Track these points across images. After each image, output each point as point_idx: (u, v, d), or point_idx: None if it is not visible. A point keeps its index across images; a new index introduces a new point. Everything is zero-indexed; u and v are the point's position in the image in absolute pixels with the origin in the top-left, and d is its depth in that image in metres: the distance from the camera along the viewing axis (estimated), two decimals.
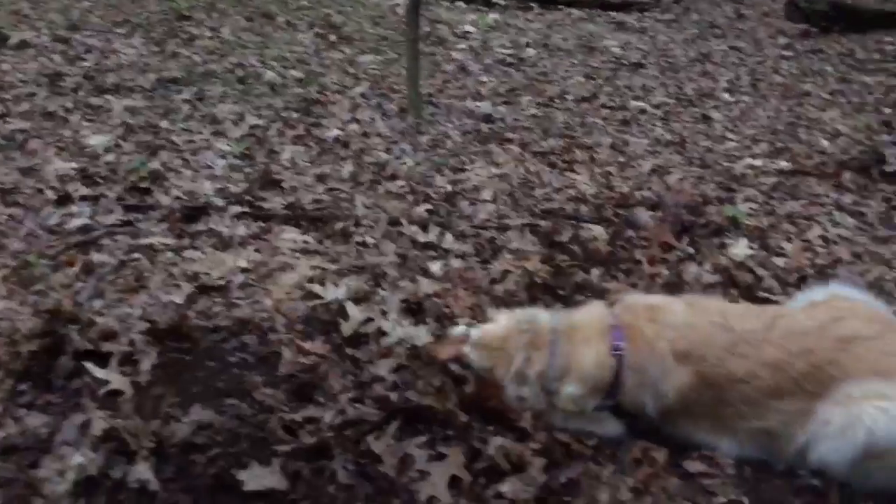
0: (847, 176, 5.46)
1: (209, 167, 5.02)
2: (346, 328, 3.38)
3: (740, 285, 3.91)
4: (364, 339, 3.34)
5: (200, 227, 4.21)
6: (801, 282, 3.95)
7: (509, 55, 8.57)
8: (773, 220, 4.73)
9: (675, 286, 3.86)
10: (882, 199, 5.20)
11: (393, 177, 5.10)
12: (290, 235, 4.21)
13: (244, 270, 3.81)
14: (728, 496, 2.62)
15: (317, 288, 3.66)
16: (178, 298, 3.49)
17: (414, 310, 3.53)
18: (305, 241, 4.16)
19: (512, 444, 2.67)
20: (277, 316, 3.46)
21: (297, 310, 3.53)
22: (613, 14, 11.43)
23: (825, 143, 6.35)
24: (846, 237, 4.57)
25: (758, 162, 5.77)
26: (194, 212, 4.35)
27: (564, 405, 2.81)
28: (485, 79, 7.67)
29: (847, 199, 5.16)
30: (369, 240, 4.21)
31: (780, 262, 4.15)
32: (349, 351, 3.24)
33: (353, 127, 5.94)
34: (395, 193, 4.84)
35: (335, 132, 5.75)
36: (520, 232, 4.37)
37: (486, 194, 4.92)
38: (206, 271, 3.75)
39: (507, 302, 3.68)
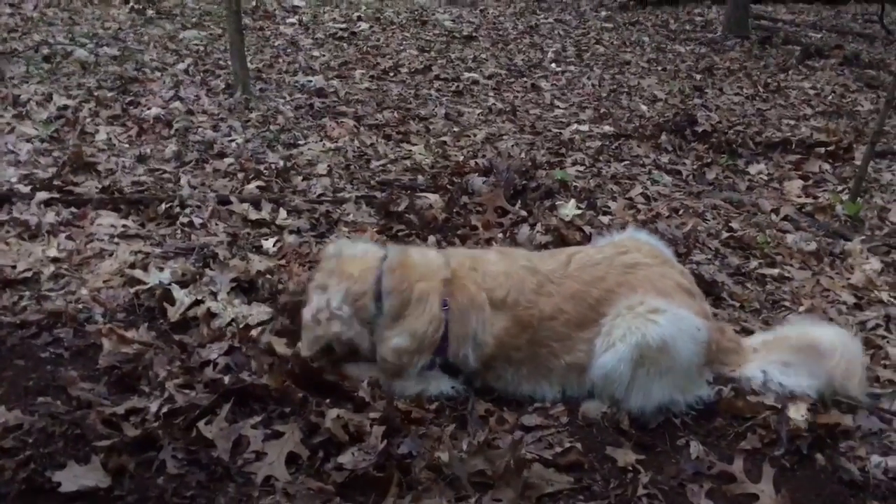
0: (664, 137, 5.79)
1: (12, 152, 4.58)
2: (173, 313, 3.19)
3: (570, 242, 4.04)
4: (193, 322, 3.16)
5: (2, 216, 3.83)
6: None
7: (341, 29, 8.43)
8: (599, 181, 4.93)
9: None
10: (695, 157, 5.56)
11: (221, 155, 4.87)
12: (107, 220, 3.92)
13: (55, 260, 3.51)
14: (563, 445, 2.69)
15: (139, 273, 3.43)
16: None
17: (246, 288, 3.39)
18: (125, 226, 3.89)
19: (350, 415, 2.61)
20: (95, 306, 3.22)
21: (117, 298, 3.29)
22: None
23: (644, 108, 6.71)
24: (665, 194, 4.85)
25: (584, 127, 6.00)
26: None
27: (389, 356, 2.79)
28: (316, 53, 7.50)
29: (665, 158, 5.48)
30: (196, 220, 3.99)
31: (605, 219, 4.34)
32: (177, 336, 3.05)
33: (176, 105, 5.62)
34: (223, 172, 4.63)
35: (156, 111, 5.42)
36: (356, 204, 4.30)
37: (321, 168, 4.81)
38: (10, 264, 3.42)
39: None
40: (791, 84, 7.94)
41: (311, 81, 6.52)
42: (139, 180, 4.38)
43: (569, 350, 2.82)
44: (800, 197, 4.98)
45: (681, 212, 4.56)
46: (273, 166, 4.74)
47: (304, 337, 2.87)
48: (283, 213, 4.17)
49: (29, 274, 3.37)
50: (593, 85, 7.33)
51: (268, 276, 3.47)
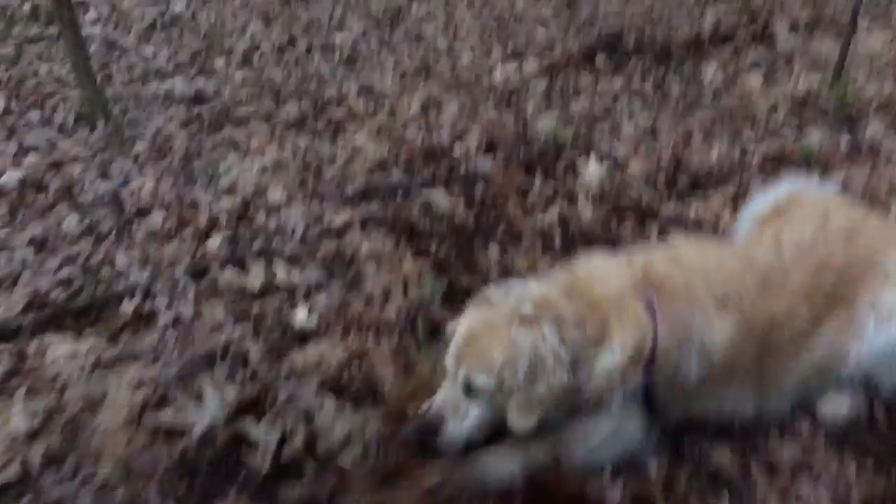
0: (601, 60, 5.31)
1: None
2: (259, 461, 2.29)
3: (626, 210, 3.49)
4: (293, 467, 2.29)
5: None
6: (693, 185, 3.67)
7: (159, 15, 7.02)
8: (581, 126, 4.36)
9: (569, 237, 3.32)
10: (642, 73, 5.12)
11: (142, 211, 3.74)
12: (62, 349, 2.81)
13: (34, 435, 2.42)
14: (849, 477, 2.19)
15: (167, 416, 2.46)
16: None
17: (335, 388, 2.52)
18: (92, 349, 2.79)
19: None
20: (143, 486, 2.23)
21: (159, 462, 2.31)
22: None
23: (542, 29, 6.15)
24: (661, 121, 4.37)
25: (510, 68, 5.36)
26: None
27: (601, 380, 2.15)
28: (150, 51, 6.14)
29: (617, 83, 4.99)
30: (183, 312, 2.97)
31: (636, 169, 3.81)
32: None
33: (31, 159, 4.27)
34: (163, 232, 3.54)
35: (14, 175, 4.07)
36: (361, 231, 3.44)
37: (276, 194, 3.84)
38: None
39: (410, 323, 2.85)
40: None
41: (173, 86, 5.30)
42: (64, 278, 3.21)
43: (806, 353, 2.31)
44: (771, 90, 4.72)
45: (693, 138, 4.13)
46: (218, 208, 3.70)
47: (523, 404, 2.10)
48: (281, 266, 3.23)
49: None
50: (473, 18, 6.63)
51: (353, 363, 2.60)
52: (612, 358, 2.14)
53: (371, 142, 4.37)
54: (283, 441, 2.33)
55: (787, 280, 2.26)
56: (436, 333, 2.78)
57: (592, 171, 3.78)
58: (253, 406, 2.46)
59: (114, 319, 2.96)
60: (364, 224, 3.46)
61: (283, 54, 5.97)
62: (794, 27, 5.77)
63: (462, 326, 2.18)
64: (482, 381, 2.10)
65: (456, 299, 2.95)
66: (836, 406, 2.36)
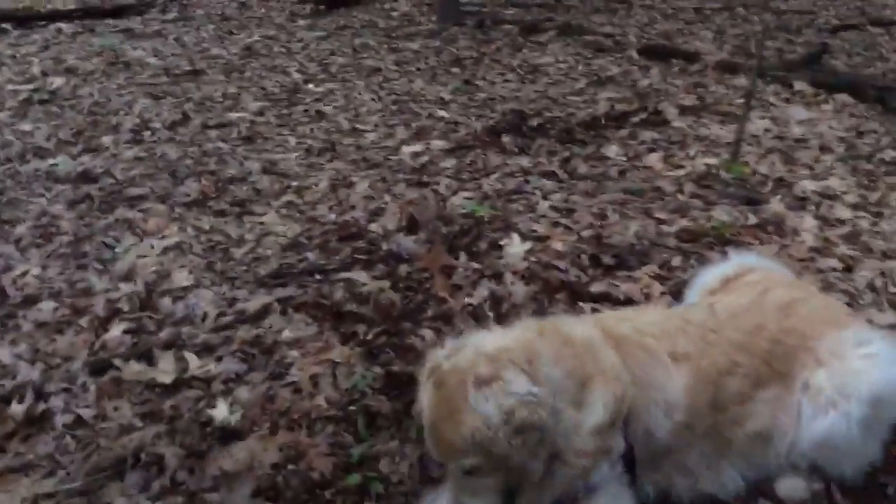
0: (507, 140, 5.36)
1: None
2: None
3: (555, 285, 3.44)
4: None
5: None
6: (617, 262, 3.64)
7: (33, 91, 6.60)
8: (497, 204, 4.33)
9: (502, 316, 3.22)
10: (548, 153, 5.20)
11: (29, 300, 3.35)
12: None
13: None
14: None
15: None
16: None
17: (273, 495, 2.25)
18: None
19: None
20: None
21: None
22: (111, 22, 9.77)
23: (443, 113, 6.20)
24: (574, 200, 4.40)
25: (417, 147, 5.33)
26: None
27: (591, 444, 2.02)
28: (27, 127, 5.72)
29: (525, 162, 5.04)
30: (85, 413, 2.63)
31: (558, 246, 3.79)
32: None
33: None
34: (50, 324, 3.18)
35: None
36: (282, 315, 3.20)
37: (181, 277, 3.55)
38: None
39: (344, 414, 2.64)
40: (536, 62, 8.00)
41: (57, 165, 4.92)
42: None
43: (750, 415, 2.28)
44: (672, 169, 4.90)
45: (608, 216, 4.17)
46: (118, 294, 3.37)
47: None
48: (193, 359, 2.94)
49: None
50: (372, 98, 6.62)
51: (289, 467, 2.34)
52: (598, 414, 2.03)
53: (280, 221, 4.17)
54: None
55: (721, 336, 2.28)
56: (375, 423, 2.59)
57: (516, 249, 3.73)
58: None
59: (1, 425, 2.57)
60: (283, 308, 3.23)
61: (176, 131, 5.70)
62: (682, 111, 6.09)
63: (424, 413, 2.00)
64: (471, 461, 1.93)
65: (392, 385, 2.79)
66: (793, 489, 2.32)
